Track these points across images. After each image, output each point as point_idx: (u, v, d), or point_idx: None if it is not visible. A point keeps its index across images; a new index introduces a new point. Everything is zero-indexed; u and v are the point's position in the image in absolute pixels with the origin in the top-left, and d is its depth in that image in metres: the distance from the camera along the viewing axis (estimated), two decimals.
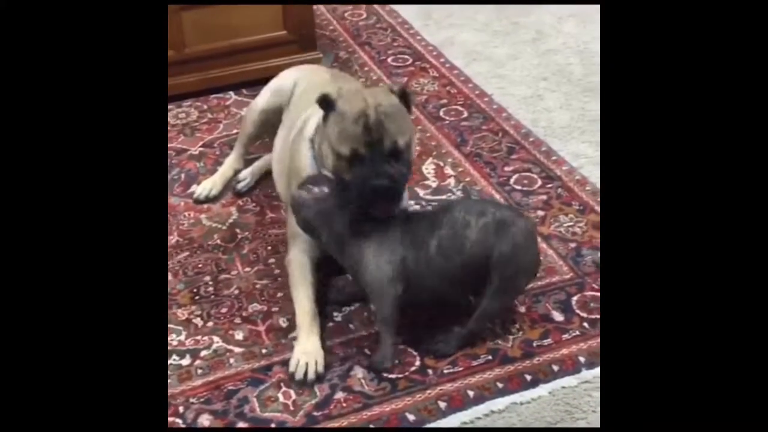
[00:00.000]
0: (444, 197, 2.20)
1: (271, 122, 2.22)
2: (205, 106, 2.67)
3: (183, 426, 1.58)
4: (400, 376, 1.67)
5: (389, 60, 2.95)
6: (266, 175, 2.27)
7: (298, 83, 2.20)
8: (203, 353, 1.74)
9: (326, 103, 1.67)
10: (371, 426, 1.56)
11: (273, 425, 1.58)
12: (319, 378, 1.66)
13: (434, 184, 2.26)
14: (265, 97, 2.25)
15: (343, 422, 1.57)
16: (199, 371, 1.70)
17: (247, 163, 2.32)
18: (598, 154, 2.37)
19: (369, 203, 1.62)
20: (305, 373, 1.65)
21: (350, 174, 1.63)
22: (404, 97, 1.69)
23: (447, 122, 2.56)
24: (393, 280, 1.63)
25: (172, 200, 2.22)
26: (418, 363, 1.70)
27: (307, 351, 1.69)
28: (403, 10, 3.31)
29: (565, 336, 1.75)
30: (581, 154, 2.37)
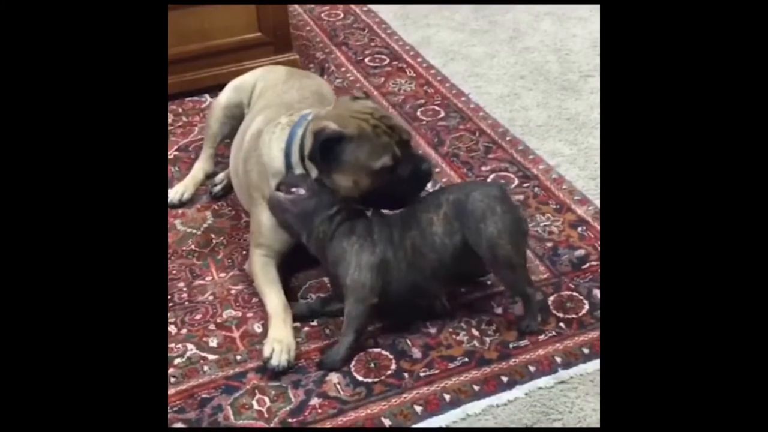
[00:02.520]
0: None
1: (233, 119, 2.22)
2: (180, 110, 2.65)
3: None
4: (375, 380, 1.65)
5: (366, 60, 2.93)
6: None
7: (258, 83, 2.21)
8: (177, 361, 1.72)
9: (330, 140, 1.64)
10: None
11: None
12: (290, 366, 1.66)
13: None
14: (226, 94, 2.26)
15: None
16: (173, 379, 1.67)
17: (221, 165, 2.31)
18: (574, 152, 2.36)
19: (418, 191, 1.74)
20: (279, 361, 1.66)
21: (389, 180, 1.68)
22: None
23: (424, 122, 2.54)
24: (372, 287, 1.66)
25: None
26: (393, 367, 1.68)
27: (281, 339, 1.69)
28: (380, 10, 3.29)
29: (542, 337, 1.74)
30: (558, 152, 2.37)
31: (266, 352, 1.68)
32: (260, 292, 1.83)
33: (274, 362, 1.66)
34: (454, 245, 1.65)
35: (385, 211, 1.74)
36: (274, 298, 1.79)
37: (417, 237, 1.67)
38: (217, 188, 2.25)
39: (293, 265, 1.92)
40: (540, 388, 1.63)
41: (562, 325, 1.77)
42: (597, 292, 1.84)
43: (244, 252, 2.02)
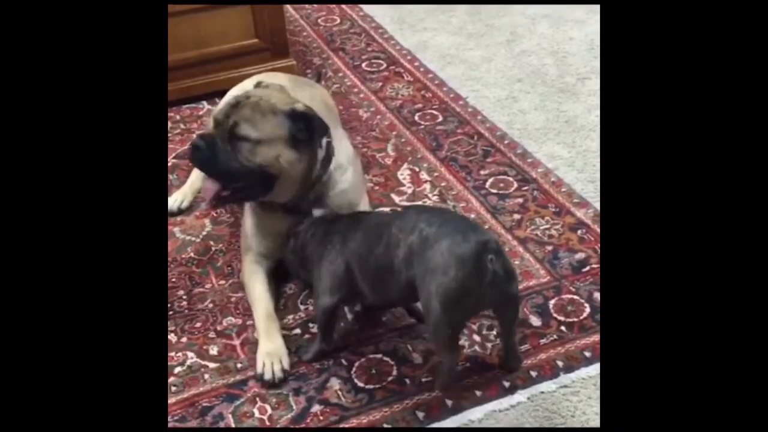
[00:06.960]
0: (419, 203, 2.19)
1: None
2: (178, 117, 2.64)
3: None
4: (377, 386, 1.65)
5: (363, 65, 2.93)
6: None
7: None
8: (177, 370, 1.71)
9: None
10: None
11: None
12: (286, 376, 1.67)
13: (410, 190, 2.24)
14: (226, 100, 2.24)
15: None
16: (173, 388, 1.67)
17: None
18: (572, 155, 2.36)
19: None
20: (273, 373, 1.66)
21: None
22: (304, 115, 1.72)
23: (422, 127, 2.54)
24: (328, 289, 1.66)
25: None
26: (395, 373, 1.68)
27: (269, 352, 1.70)
28: (377, 15, 3.30)
29: (543, 341, 1.73)
30: (556, 155, 2.37)
31: (258, 368, 1.68)
32: (249, 301, 1.84)
33: (267, 377, 1.66)
34: (407, 277, 1.52)
35: (372, 212, 1.74)
36: (259, 309, 1.79)
37: (381, 254, 1.56)
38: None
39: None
40: (542, 392, 1.63)
41: (563, 328, 1.76)
42: (598, 295, 1.84)
43: None
